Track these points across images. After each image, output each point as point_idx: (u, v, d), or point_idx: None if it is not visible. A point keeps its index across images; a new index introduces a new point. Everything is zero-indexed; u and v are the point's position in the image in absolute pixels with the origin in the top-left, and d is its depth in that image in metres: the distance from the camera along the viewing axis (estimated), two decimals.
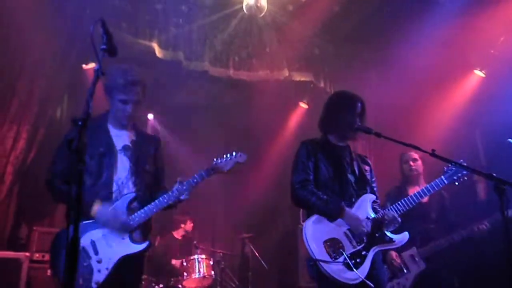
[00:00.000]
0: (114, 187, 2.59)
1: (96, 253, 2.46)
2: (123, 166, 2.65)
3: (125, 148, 2.70)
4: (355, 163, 2.96)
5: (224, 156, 2.80)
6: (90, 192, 2.51)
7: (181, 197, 2.65)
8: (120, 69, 2.60)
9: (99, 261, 2.44)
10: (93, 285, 2.38)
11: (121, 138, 2.71)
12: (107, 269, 2.44)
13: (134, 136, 2.78)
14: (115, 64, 2.53)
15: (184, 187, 2.65)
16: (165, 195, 2.63)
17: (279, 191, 6.66)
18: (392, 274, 3.78)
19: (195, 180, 2.68)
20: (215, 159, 2.80)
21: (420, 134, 5.19)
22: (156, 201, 2.62)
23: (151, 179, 2.76)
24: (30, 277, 4.48)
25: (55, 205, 5.18)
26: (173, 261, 5.67)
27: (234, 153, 2.81)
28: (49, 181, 2.58)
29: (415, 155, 4.06)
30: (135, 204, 2.62)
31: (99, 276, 2.41)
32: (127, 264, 2.52)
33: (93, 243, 2.48)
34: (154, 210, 2.60)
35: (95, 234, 2.51)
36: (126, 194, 2.60)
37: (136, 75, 2.62)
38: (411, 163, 4.06)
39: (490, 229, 3.67)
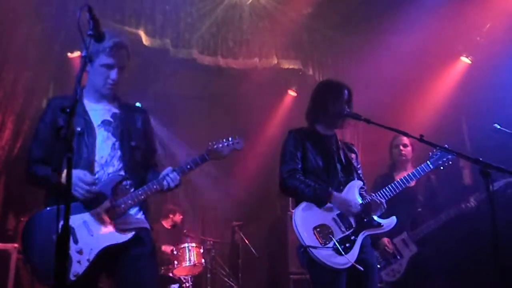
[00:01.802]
0: (97, 168, 2.33)
1: (76, 241, 2.21)
2: (105, 143, 2.37)
3: (105, 123, 2.42)
4: (341, 152, 3.00)
5: (221, 141, 2.55)
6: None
7: (172, 185, 2.38)
8: (104, 32, 2.33)
9: (79, 252, 2.19)
10: (71, 277, 2.13)
11: (99, 112, 2.43)
12: (88, 260, 2.19)
13: (116, 109, 2.50)
14: None
15: (176, 174, 2.40)
16: (155, 181, 2.37)
17: (269, 178, 6.67)
18: (386, 261, 3.83)
19: (188, 167, 2.43)
20: (210, 144, 2.52)
21: (408, 120, 5.26)
22: (145, 186, 2.36)
23: (141, 156, 2.48)
24: (19, 268, 4.45)
25: (43, 195, 5.14)
26: (163, 247, 5.66)
27: (230, 139, 2.58)
28: (26, 170, 2.38)
29: (405, 140, 4.10)
30: (124, 185, 2.38)
31: (78, 268, 2.16)
32: (111, 256, 2.26)
33: (72, 230, 2.22)
34: (142, 196, 2.35)
35: (75, 220, 2.23)
36: (113, 176, 2.35)
37: (123, 38, 2.43)
38: (401, 147, 4.10)
39: (477, 207, 3.73)
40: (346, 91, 2.95)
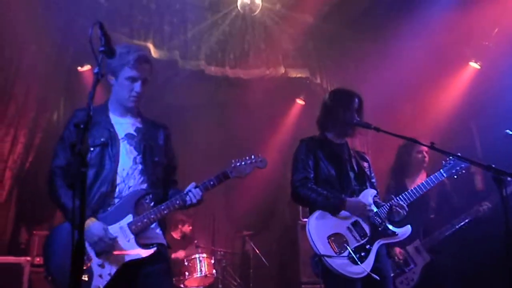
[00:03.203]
0: (118, 180, 2.35)
1: (98, 255, 2.24)
2: (127, 155, 2.39)
3: (128, 136, 2.44)
4: (353, 160, 3.01)
5: (244, 158, 2.55)
6: (92, 188, 2.30)
7: (194, 200, 2.40)
8: (129, 46, 2.44)
9: (100, 265, 2.21)
10: None
11: (124, 125, 2.46)
12: (109, 274, 2.20)
13: (139, 123, 2.53)
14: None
15: (199, 190, 2.41)
16: (178, 197, 2.39)
17: (278, 187, 6.67)
18: (400, 269, 3.80)
19: (211, 183, 2.45)
20: (233, 161, 2.53)
21: (417, 127, 5.23)
22: (168, 202, 2.37)
23: (162, 172, 2.50)
24: (32, 282, 4.47)
25: (55, 208, 5.16)
26: (174, 255, 5.64)
27: (253, 157, 2.58)
28: (50, 179, 2.36)
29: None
30: (146, 200, 2.40)
31: (99, 282, 2.18)
32: (131, 271, 2.26)
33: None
34: (165, 211, 2.36)
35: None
36: (136, 190, 2.36)
37: (147, 52, 2.51)
38: (425, 154, 4.05)
39: (493, 209, 3.69)
40: (356, 100, 2.97)
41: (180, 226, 6.17)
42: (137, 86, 2.42)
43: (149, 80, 2.48)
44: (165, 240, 2.46)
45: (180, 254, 5.62)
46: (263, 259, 6.15)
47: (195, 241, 6.04)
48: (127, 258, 2.26)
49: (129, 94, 2.43)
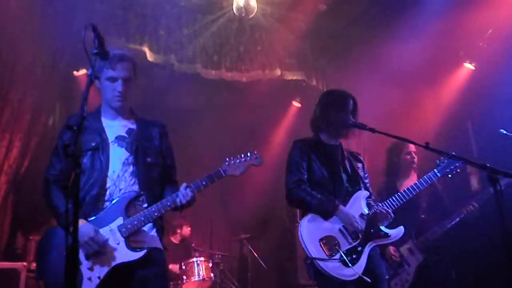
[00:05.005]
0: (108, 183, 2.32)
1: (87, 258, 2.22)
2: (117, 158, 2.36)
3: (118, 138, 2.41)
4: (347, 161, 3.00)
5: (238, 156, 2.47)
6: (83, 192, 2.27)
7: (183, 201, 2.33)
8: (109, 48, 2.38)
9: (90, 268, 2.19)
10: None
11: (114, 128, 2.44)
12: (98, 278, 2.18)
13: (132, 124, 2.50)
14: None
15: (189, 191, 2.34)
16: (169, 198, 2.33)
17: (276, 190, 6.65)
18: (393, 271, 3.79)
19: (204, 183, 2.37)
20: (227, 159, 2.44)
21: (413, 127, 5.25)
22: (159, 203, 2.32)
23: (158, 173, 2.45)
24: (29, 287, 4.45)
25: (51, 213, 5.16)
26: (170, 266, 5.61)
27: (249, 154, 2.48)
28: (46, 187, 2.39)
29: (414, 147, 4.08)
30: (139, 202, 2.35)
31: (89, 285, 2.16)
32: (123, 275, 2.23)
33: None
34: (156, 213, 2.30)
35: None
36: (127, 192, 2.33)
37: (123, 51, 2.45)
38: (413, 154, 4.05)
39: (481, 208, 3.70)
40: (350, 101, 2.97)
41: (179, 231, 6.14)
42: (118, 85, 2.40)
43: (133, 79, 2.45)
44: (160, 243, 2.42)
45: (175, 266, 5.57)
46: (261, 262, 6.14)
47: (193, 245, 6.02)
48: (116, 261, 2.23)
49: (112, 94, 2.42)
